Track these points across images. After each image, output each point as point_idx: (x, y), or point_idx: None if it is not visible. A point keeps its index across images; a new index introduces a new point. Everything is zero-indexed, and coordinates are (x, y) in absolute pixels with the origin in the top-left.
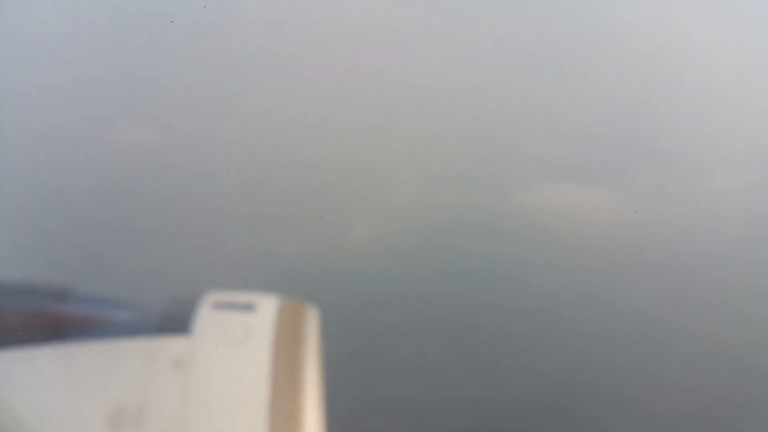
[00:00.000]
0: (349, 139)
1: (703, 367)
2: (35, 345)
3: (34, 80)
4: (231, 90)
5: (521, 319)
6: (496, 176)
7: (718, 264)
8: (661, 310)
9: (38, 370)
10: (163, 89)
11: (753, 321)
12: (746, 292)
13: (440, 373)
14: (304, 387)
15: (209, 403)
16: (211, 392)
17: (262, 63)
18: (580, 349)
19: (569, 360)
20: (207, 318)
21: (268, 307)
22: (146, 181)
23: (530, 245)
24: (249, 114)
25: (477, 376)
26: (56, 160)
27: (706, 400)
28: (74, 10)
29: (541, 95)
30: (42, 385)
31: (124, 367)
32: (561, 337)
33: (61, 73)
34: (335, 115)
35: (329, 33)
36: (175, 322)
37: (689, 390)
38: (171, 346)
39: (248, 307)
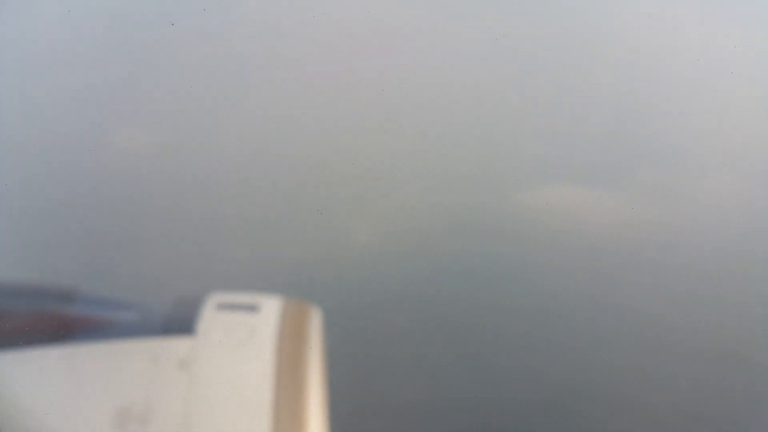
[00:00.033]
0: (349, 139)
1: (705, 368)
2: (42, 345)
3: (35, 81)
4: (232, 92)
5: (522, 320)
6: (496, 176)
7: (718, 264)
8: (661, 310)
9: (45, 370)
10: (165, 91)
11: (755, 321)
12: (748, 292)
13: (442, 373)
14: (308, 386)
15: (213, 403)
16: (215, 392)
17: (263, 65)
18: (582, 350)
19: (571, 360)
20: (211, 319)
21: (271, 307)
22: (148, 183)
23: (531, 245)
24: (250, 116)
25: (478, 376)
26: (61, 162)
27: (708, 400)
28: (75, 11)
29: (542, 95)
30: (48, 385)
31: (129, 367)
32: (562, 337)
33: (62, 74)
34: (336, 115)
35: (329, 34)
36: (179, 322)
37: (691, 390)
38: (175, 346)
39: (252, 308)
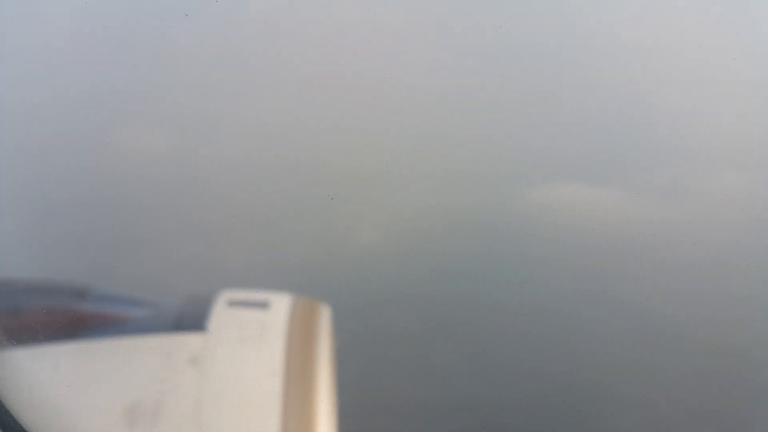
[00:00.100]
0: (354, 140)
1: (710, 366)
2: (56, 342)
3: (36, 81)
4: (236, 94)
5: (527, 319)
6: (501, 176)
7: (724, 262)
8: (666, 309)
9: (59, 366)
10: (170, 93)
11: (761, 319)
12: (754, 290)
13: (446, 371)
14: (317, 383)
15: (224, 398)
16: (226, 387)
17: (268, 67)
18: (586, 349)
19: (576, 359)
20: (222, 315)
21: (281, 305)
22: (158, 184)
23: (536, 245)
24: (256, 118)
25: (483, 375)
26: (75, 163)
27: (712, 398)
28: (75, 11)
29: (547, 95)
30: (63, 380)
31: (141, 363)
32: (568, 335)
33: (64, 75)
34: (340, 117)
35: (331, 35)
36: (190, 319)
37: (695, 388)
38: (187, 342)
39: (262, 305)
